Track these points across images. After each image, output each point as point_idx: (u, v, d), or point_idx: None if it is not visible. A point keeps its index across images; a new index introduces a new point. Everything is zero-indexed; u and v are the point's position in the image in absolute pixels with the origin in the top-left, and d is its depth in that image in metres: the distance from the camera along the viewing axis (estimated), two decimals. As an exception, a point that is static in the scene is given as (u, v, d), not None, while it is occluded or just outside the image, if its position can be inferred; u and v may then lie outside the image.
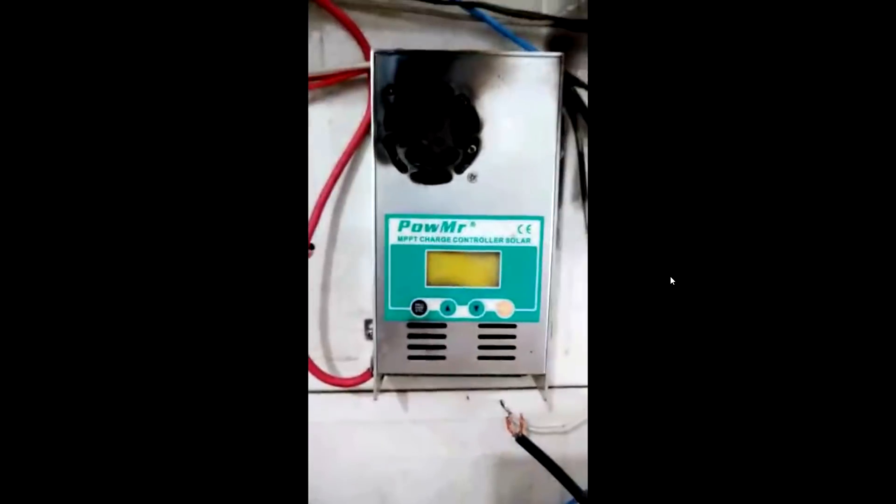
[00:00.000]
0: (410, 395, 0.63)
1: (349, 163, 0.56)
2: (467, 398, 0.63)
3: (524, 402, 0.62)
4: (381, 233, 0.51)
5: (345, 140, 0.55)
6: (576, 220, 0.59)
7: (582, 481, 0.62)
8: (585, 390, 0.63)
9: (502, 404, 0.62)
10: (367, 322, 0.59)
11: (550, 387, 0.62)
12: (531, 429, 0.63)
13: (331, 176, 0.55)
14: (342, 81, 0.55)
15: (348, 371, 0.60)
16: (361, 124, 0.55)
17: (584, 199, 0.58)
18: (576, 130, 0.57)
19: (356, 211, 0.57)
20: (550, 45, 0.56)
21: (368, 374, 0.56)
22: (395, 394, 0.62)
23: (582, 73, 0.56)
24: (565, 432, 0.63)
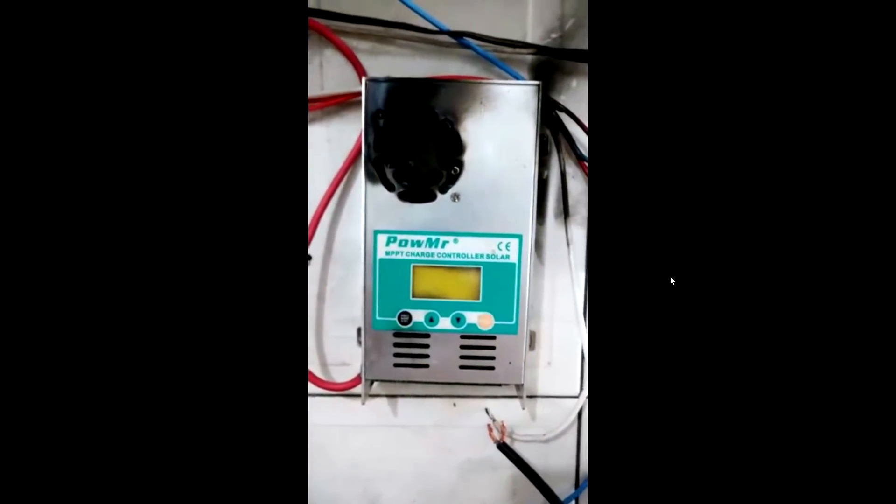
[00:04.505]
0: (400, 400, 0.66)
1: (344, 180, 0.60)
2: (454, 405, 0.66)
3: (509, 411, 0.65)
4: (370, 247, 0.55)
5: (341, 158, 0.59)
6: (559, 236, 0.62)
7: (561, 489, 0.65)
8: (567, 401, 0.65)
9: (487, 412, 0.64)
10: (359, 330, 0.62)
11: (533, 396, 0.65)
12: (514, 437, 0.65)
13: (327, 192, 0.59)
14: (340, 103, 0.59)
15: (342, 376, 0.63)
16: (356, 144, 0.58)
17: (566, 217, 0.61)
18: (559, 151, 0.60)
19: (350, 226, 0.61)
20: (535, 70, 0.59)
21: (358, 379, 0.59)
22: (385, 399, 0.66)
23: (564, 98, 0.59)
24: (546, 441, 0.66)
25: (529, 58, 0.59)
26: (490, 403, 0.65)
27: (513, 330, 0.56)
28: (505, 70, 0.57)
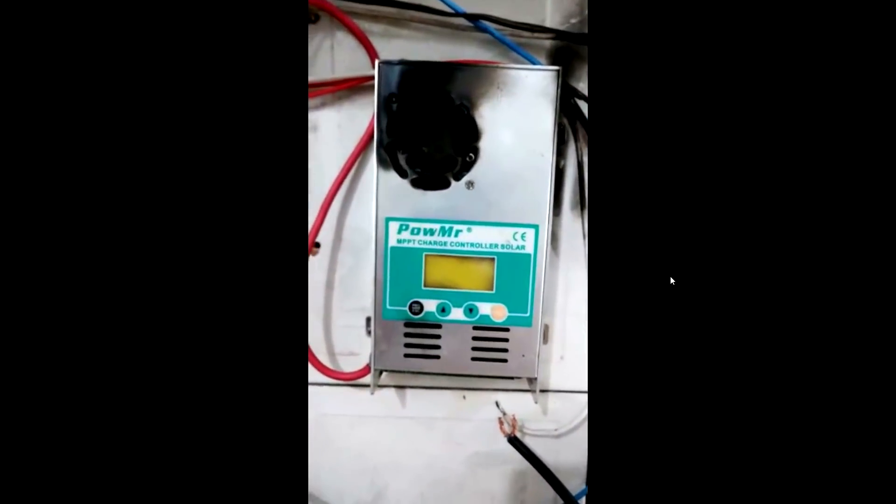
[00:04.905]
0: (409, 391, 0.65)
1: (355, 166, 0.58)
2: (463, 397, 0.65)
3: (520, 404, 0.64)
4: (382, 235, 0.54)
5: (352, 143, 0.57)
6: (575, 228, 0.60)
7: (573, 485, 0.64)
8: (579, 395, 0.64)
9: (498, 405, 0.63)
10: (368, 319, 0.61)
11: (545, 391, 0.64)
12: (525, 431, 0.64)
13: (336, 178, 0.57)
14: (351, 87, 0.57)
15: (350, 365, 0.62)
16: (368, 129, 0.57)
17: (582, 208, 0.59)
18: (576, 140, 0.58)
19: (361, 213, 0.59)
20: (553, 56, 0.57)
21: (367, 369, 0.58)
22: (393, 389, 0.65)
23: (583, 86, 0.57)
24: (558, 436, 0.64)
25: (548, 43, 0.57)
26: (500, 397, 0.64)
27: (527, 322, 0.54)
28: (522, 55, 0.55)
